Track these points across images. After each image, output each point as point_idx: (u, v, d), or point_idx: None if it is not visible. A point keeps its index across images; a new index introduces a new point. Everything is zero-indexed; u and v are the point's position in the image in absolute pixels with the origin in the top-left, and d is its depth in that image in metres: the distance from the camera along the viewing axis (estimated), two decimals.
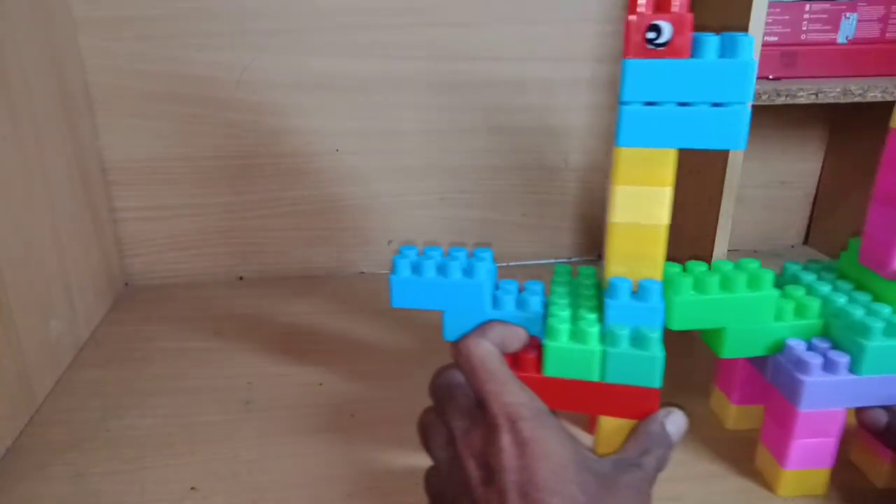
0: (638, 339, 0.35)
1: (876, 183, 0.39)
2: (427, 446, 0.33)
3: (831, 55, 0.63)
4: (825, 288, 0.42)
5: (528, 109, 0.70)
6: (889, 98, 0.58)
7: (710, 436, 0.46)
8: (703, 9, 0.56)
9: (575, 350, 0.35)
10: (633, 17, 0.32)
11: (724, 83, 0.32)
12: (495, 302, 0.38)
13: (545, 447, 0.29)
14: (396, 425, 0.48)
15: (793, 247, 0.84)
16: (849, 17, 0.62)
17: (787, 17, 0.62)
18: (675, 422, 0.34)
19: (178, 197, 0.69)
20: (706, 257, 0.61)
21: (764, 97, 0.56)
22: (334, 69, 0.66)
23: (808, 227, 0.84)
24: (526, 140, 0.71)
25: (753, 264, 0.39)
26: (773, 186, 0.80)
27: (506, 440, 0.29)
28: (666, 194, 0.35)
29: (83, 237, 0.62)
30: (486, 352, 0.33)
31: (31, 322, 0.50)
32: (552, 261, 0.77)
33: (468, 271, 0.37)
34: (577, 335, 0.35)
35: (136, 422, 0.49)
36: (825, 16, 0.62)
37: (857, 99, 0.57)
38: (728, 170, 0.57)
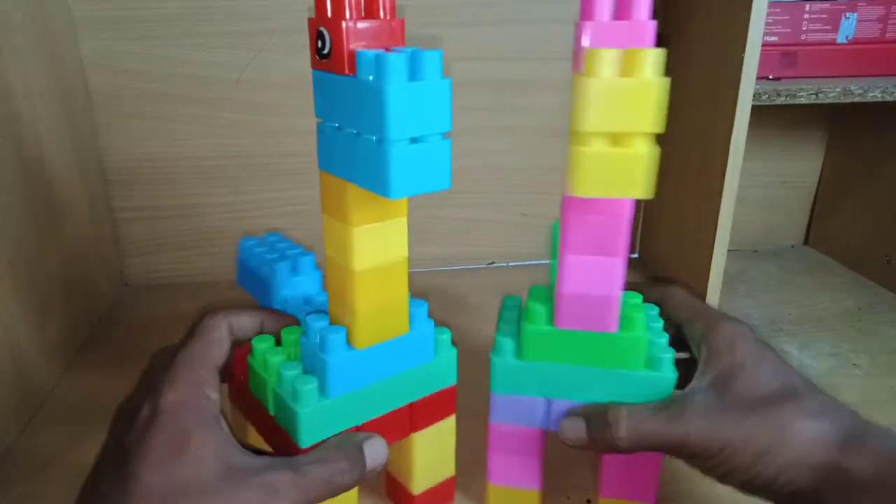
0: None
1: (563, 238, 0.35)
2: None
3: (831, 55, 0.63)
4: None
5: (528, 109, 0.70)
6: (889, 98, 0.58)
7: None
8: (702, 10, 0.56)
9: None
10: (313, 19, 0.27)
11: (371, 111, 0.25)
12: None
13: (168, 421, 0.28)
14: None
15: (793, 246, 0.84)
16: (849, 17, 0.63)
17: (787, 17, 0.62)
18: (373, 447, 0.32)
19: (178, 197, 0.69)
20: (706, 257, 0.61)
21: (764, 97, 0.56)
22: None
23: (809, 226, 0.84)
24: (526, 139, 0.71)
25: None
26: (773, 186, 0.80)
27: (146, 409, 0.29)
28: (403, 224, 0.31)
29: (83, 237, 0.62)
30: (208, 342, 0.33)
31: (31, 322, 0.51)
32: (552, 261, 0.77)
33: None
34: None
35: None
36: (825, 16, 0.62)
37: (857, 99, 0.57)
38: (728, 170, 0.57)
